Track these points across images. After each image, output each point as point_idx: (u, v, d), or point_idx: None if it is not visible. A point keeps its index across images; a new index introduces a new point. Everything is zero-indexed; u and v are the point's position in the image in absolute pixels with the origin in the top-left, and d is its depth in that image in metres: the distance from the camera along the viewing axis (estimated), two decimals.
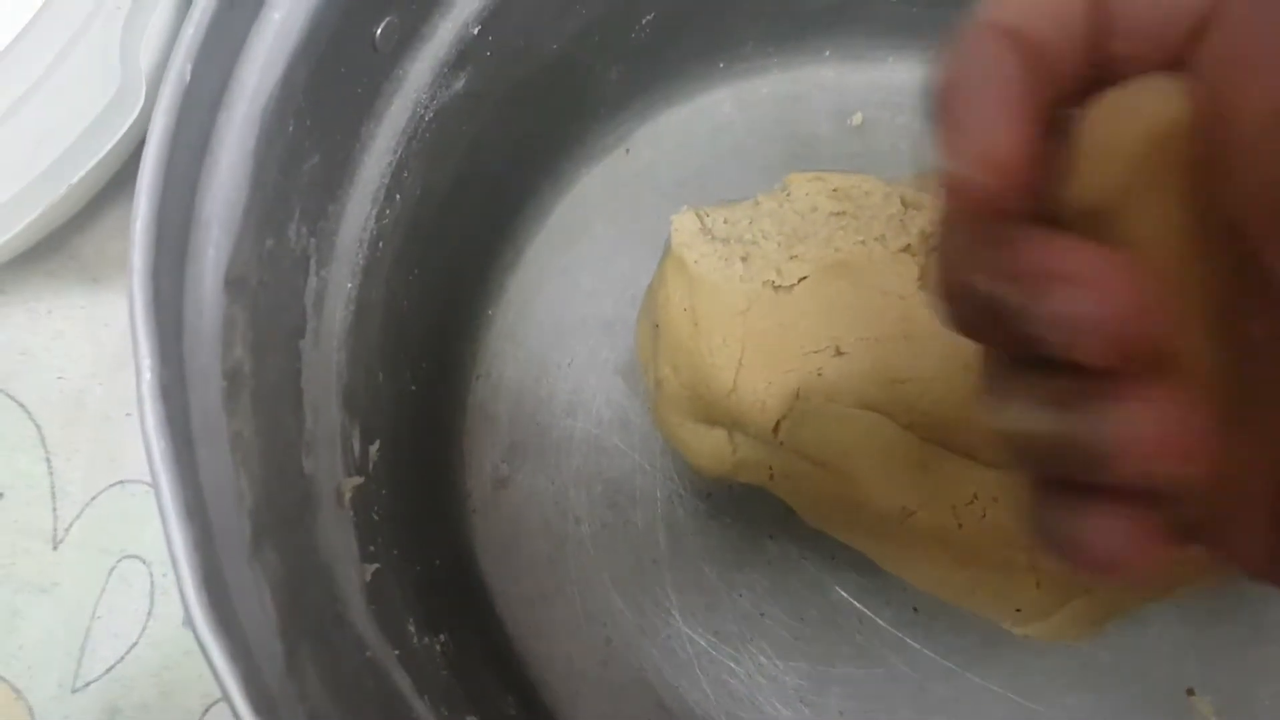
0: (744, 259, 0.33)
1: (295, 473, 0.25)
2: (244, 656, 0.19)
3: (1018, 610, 0.33)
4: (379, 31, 0.27)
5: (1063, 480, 0.17)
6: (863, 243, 0.33)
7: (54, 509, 0.38)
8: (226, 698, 0.19)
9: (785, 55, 0.42)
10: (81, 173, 0.31)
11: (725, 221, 0.35)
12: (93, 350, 0.39)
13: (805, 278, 0.33)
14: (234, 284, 0.23)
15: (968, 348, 0.32)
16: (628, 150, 0.42)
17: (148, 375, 0.20)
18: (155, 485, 0.20)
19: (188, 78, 0.22)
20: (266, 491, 0.23)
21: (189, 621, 0.19)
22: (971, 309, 0.16)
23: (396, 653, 0.27)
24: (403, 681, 0.26)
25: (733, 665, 0.37)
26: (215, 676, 0.19)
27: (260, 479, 0.23)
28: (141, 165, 0.21)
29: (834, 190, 0.35)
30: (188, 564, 0.19)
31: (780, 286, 0.33)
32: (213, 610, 0.19)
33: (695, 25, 0.39)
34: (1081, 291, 0.14)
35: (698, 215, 0.35)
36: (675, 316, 0.34)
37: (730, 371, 0.33)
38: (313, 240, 0.27)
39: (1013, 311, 0.15)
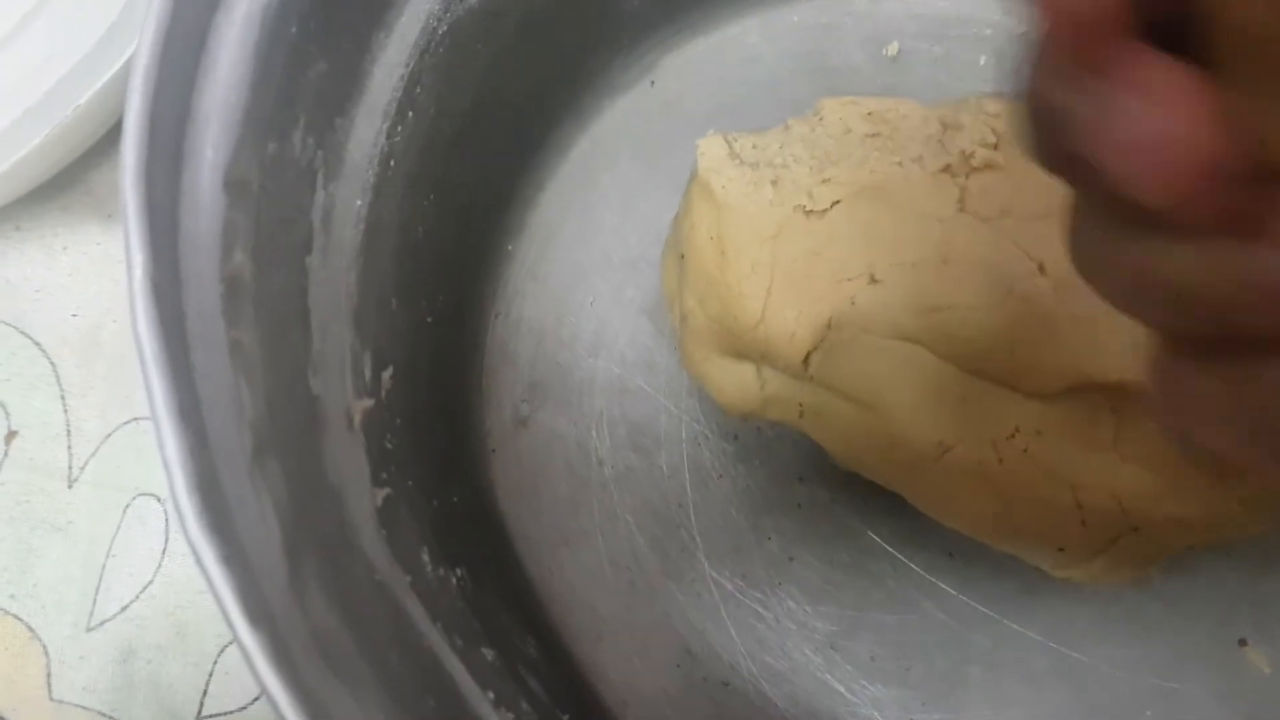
0: (774, 183, 0.32)
1: (302, 391, 0.24)
2: (240, 564, 0.18)
3: (1060, 550, 0.31)
4: None
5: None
6: (899, 164, 0.32)
7: (69, 447, 0.37)
8: (219, 603, 0.18)
9: None
10: (89, 93, 0.30)
11: (754, 147, 0.33)
12: (108, 287, 0.38)
13: (838, 202, 0.32)
14: (234, 186, 0.22)
15: (1011, 271, 0.30)
16: (653, 82, 0.40)
17: (138, 271, 0.19)
18: (146, 385, 0.19)
19: None
20: (269, 405, 0.22)
21: (181, 526, 0.18)
22: (1049, 131, 0.14)
23: (408, 579, 0.26)
24: (415, 608, 0.25)
25: (760, 610, 0.36)
26: (207, 582, 0.18)
27: (263, 391, 0.22)
28: (134, 56, 0.20)
29: (869, 114, 0.34)
30: (179, 466, 0.18)
31: (812, 211, 0.31)
32: (206, 514, 0.18)
33: None
34: (1147, 104, 0.12)
35: (726, 140, 0.33)
36: (702, 245, 0.33)
37: (758, 301, 0.32)
38: (320, 153, 0.26)
39: (1078, 128, 0.13)
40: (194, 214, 0.21)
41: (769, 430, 0.38)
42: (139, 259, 0.19)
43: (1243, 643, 0.35)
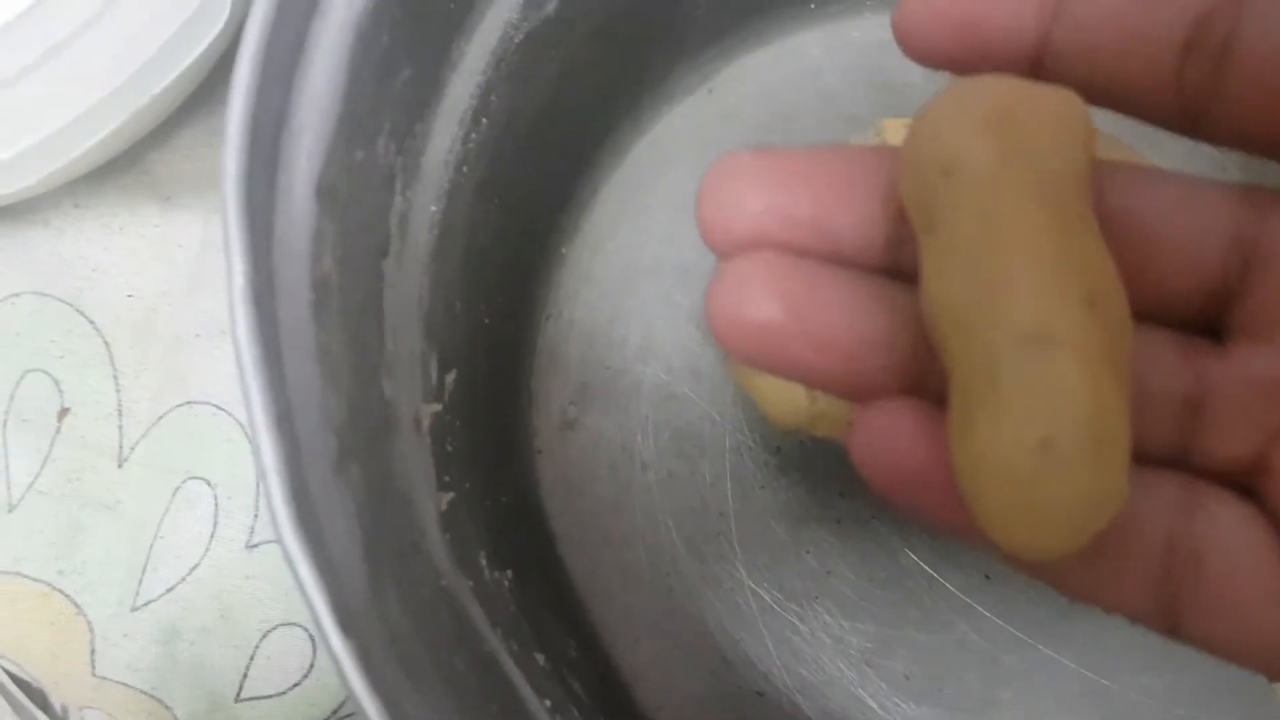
0: None
1: (377, 394, 0.25)
2: (330, 573, 0.19)
3: None
4: None
5: None
6: None
7: (120, 426, 0.38)
8: (313, 614, 0.18)
9: None
10: (165, 83, 0.30)
11: None
12: (164, 270, 0.38)
13: None
14: (324, 194, 0.22)
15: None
16: (710, 90, 0.41)
17: (240, 280, 0.19)
18: (245, 394, 0.19)
19: None
20: (351, 409, 0.22)
21: (276, 534, 0.18)
22: None
23: (470, 584, 0.26)
24: (477, 614, 0.25)
25: (797, 622, 0.36)
26: (301, 592, 0.18)
27: (346, 396, 0.22)
28: (237, 62, 0.21)
29: None
30: (277, 476, 0.19)
31: None
32: (300, 524, 0.19)
33: None
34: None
35: None
36: None
37: None
38: (400, 159, 0.26)
39: None
40: (288, 221, 0.21)
41: (811, 444, 0.38)
42: (240, 268, 0.19)
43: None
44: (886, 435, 0.17)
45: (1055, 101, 0.16)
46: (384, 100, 0.25)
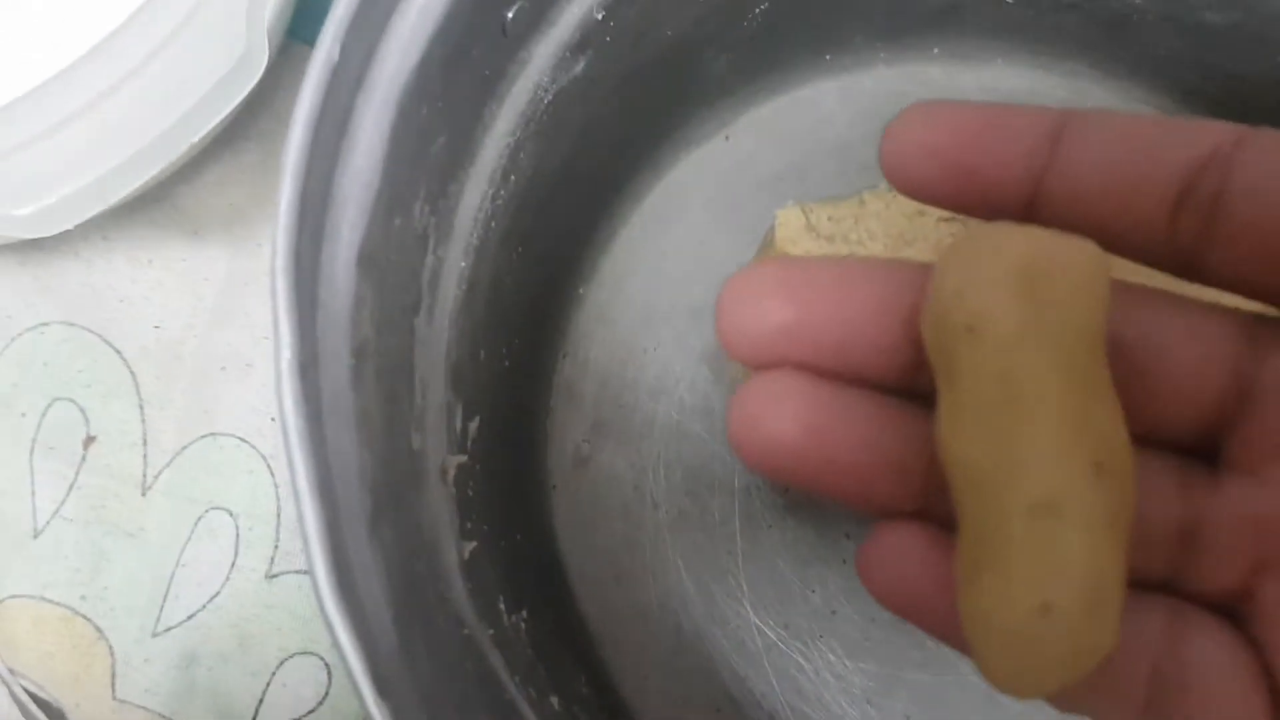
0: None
1: (406, 449, 0.26)
2: (366, 634, 0.20)
3: None
4: (510, 15, 0.27)
5: None
6: None
7: (144, 456, 0.39)
8: (352, 681, 0.19)
9: (893, 51, 0.42)
10: (203, 132, 0.31)
11: (830, 219, 0.35)
12: (191, 304, 0.39)
13: None
14: (365, 262, 0.23)
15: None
16: (727, 138, 0.42)
17: (288, 354, 0.20)
18: (290, 464, 0.20)
19: (335, 57, 0.22)
20: (385, 468, 0.23)
21: (319, 604, 0.19)
22: None
23: (491, 632, 0.27)
24: (497, 662, 0.26)
25: (801, 661, 0.37)
26: (342, 659, 0.19)
27: (380, 454, 0.23)
28: (287, 145, 0.22)
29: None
30: (319, 544, 0.19)
31: None
32: (339, 591, 0.20)
33: (806, 17, 0.39)
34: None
35: (803, 211, 0.34)
36: None
37: None
38: (433, 219, 0.27)
39: None
40: (331, 291, 0.22)
41: None
42: (288, 340, 0.20)
43: None
44: (894, 557, 0.18)
45: (1078, 256, 0.16)
46: (421, 167, 0.26)
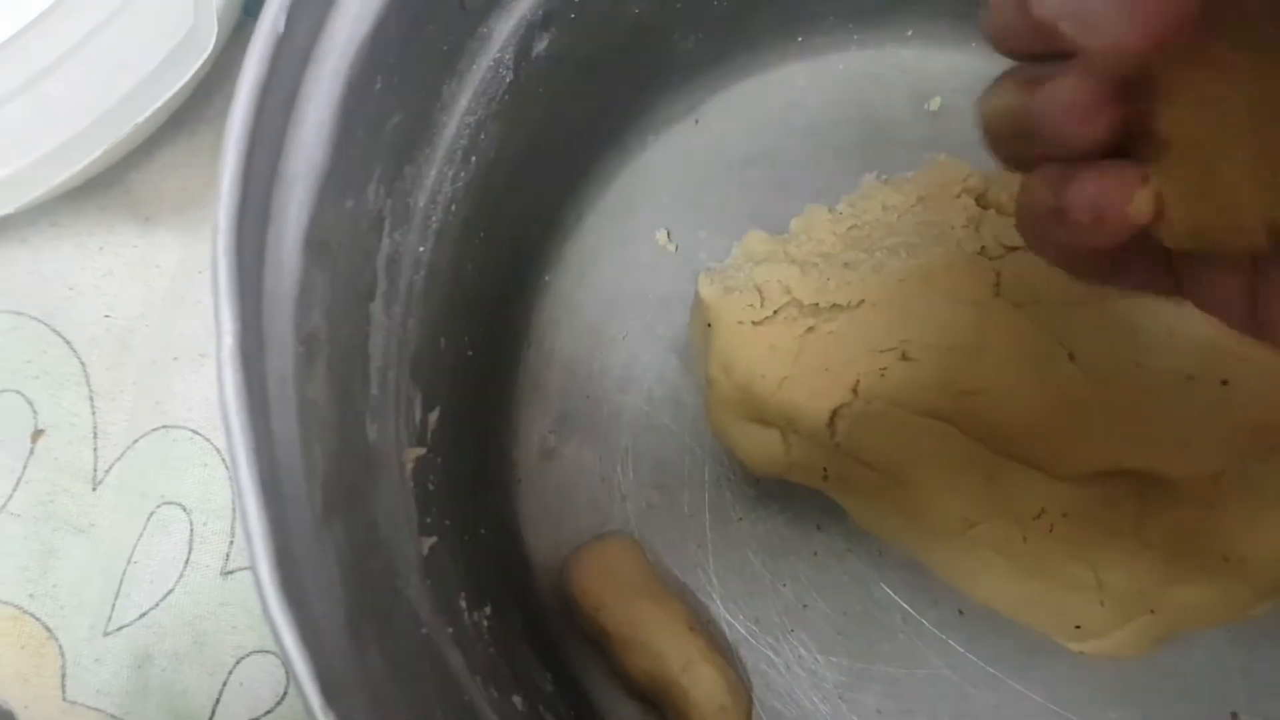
0: (804, 272, 0.33)
1: (360, 441, 0.25)
2: (313, 638, 0.19)
3: (1077, 627, 0.32)
4: None
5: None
6: (938, 244, 0.32)
7: (95, 449, 0.37)
8: (296, 683, 0.18)
9: (866, 32, 0.41)
10: (148, 112, 0.30)
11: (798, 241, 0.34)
12: (142, 292, 0.38)
13: (864, 301, 0.32)
14: (314, 245, 0.22)
15: (1042, 358, 0.31)
16: (697, 121, 0.41)
17: (229, 340, 0.19)
18: (232, 458, 0.19)
19: (281, 28, 0.21)
20: (337, 462, 0.22)
21: (262, 605, 0.18)
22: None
23: (450, 630, 0.26)
24: (456, 661, 0.25)
25: (772, 655, 0.36)
26: (285, 661, 0.18)
27: (331, 449, 0.22)
28: (229, 118, 0.20)
29: (920, 198, 0.34)
30: (263, 543, 0.18)
31: (845, 307, 0.32)
32: (284, 590, 0.19)
33: None
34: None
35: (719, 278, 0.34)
36: (729, 328, 0.33)
37: (784, 369, 0.32)
38: (389, 201, 0.26)
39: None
40: (277, 275, 0.21)
41: None
42: (229, 326, 0.19)
43: (1234, 716, 0.36)
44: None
45: None
46: (375, 146, 0.24)
